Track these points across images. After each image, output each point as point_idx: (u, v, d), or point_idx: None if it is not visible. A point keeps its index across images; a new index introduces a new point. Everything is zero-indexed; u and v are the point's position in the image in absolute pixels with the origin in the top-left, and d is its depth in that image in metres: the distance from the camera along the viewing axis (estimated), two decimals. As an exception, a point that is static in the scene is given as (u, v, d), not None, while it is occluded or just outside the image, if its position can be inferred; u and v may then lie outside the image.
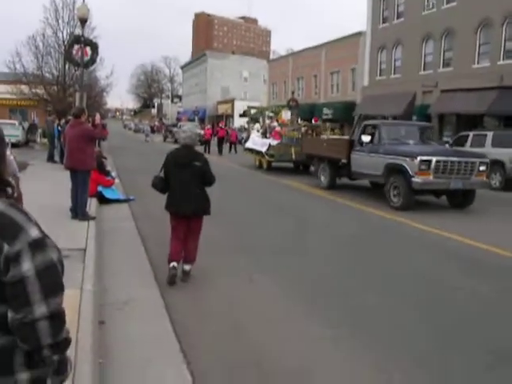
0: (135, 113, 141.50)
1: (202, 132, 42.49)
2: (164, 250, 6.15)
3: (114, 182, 12.31)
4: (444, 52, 27.35)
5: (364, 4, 34.88)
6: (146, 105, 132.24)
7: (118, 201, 11.21)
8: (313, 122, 22.96)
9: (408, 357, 4.06)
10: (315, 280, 6.10)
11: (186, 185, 5.63)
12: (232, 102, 62.52)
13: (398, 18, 31.25)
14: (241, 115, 55.42)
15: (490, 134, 16.72)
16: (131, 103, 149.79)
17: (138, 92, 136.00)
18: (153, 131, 47.24)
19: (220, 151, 30.51)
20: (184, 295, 5.39)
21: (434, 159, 11.04)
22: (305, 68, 44.05)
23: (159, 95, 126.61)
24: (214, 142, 33.22)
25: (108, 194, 11.21)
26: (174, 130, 42.16)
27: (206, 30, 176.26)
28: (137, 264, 6.37)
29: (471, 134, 17.39)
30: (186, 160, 5.63)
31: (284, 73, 48.64)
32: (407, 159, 11.23)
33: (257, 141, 21.43)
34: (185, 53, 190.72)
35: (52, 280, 1.44)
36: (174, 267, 5.74)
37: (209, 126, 35.61)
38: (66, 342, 1.50)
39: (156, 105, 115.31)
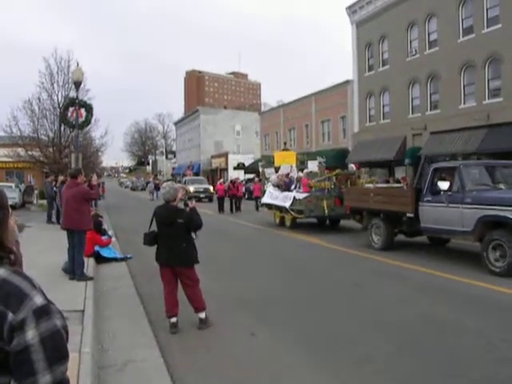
0: (130, 170, 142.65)
1: (211, 188, 39.73)
2: (162, 307, 6.19)
3: (111, 241, 12.26)
4: (430, 95, 28.00)
5: (349, 53, 35.97)
6: (141, 162, 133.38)
7: (115, 259, 11.16)
8: (350, 167, 19.67)
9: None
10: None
11: (172, 239, 5.97)
12: (226, 155, 63.05)
13: (383, 65, 32.14)
14: (235, 168, 55.82)
15: None
16: (126, 161, 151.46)
17: (132, 150, 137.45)
18: (158, 188, 39.06)
19: (231, 209, 26.75)
20: (185, 353, 5.30)
21: None
22: (296, 118, 44.84)
23: (153, 152, 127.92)
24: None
25: (105, 252, 11.18)
26: (177, 185, 41.07)
27: (197, 86, 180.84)
28: (136, 323, 6.27)
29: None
30: (170, 219, 6.00)
31: (276, 124, 49.45)
32: None
33: (276, 194, 18.54)
34: (178, 109, 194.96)
35: (57, 347, 1.40)
36: (173, 324, 5.98)
37: (221, 181, 31.04)
38: None
39: (151, 162, 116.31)
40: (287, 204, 17.12)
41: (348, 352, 5.23)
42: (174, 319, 6.01)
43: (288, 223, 17.77)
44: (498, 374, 4.54)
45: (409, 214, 11.21)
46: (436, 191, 10.38)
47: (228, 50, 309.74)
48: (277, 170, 20.39)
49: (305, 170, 18.80)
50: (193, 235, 6.21)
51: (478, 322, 6.14)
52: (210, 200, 37.38)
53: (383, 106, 32.35)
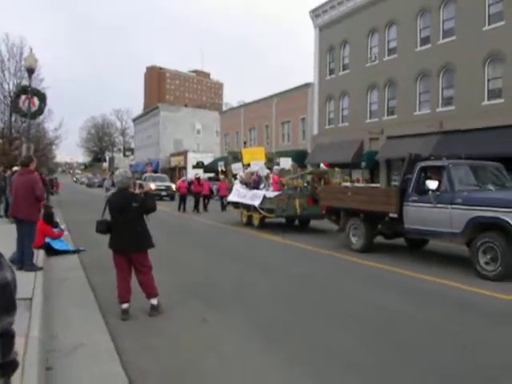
0: (86, 167, 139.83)
1: (173, 186, 37.84)
2: (114, 295, 6.21)
3: (63, 234, 11.99)
4: (388, 101, 28.72)
5: (311, 56, 36.43)
6: (97, 158, 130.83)
7: (67, 252, 10.93)
8: (321, 166, 19.14)
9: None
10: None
11: (126, 225, 6.06)
12: (185, 154, 62.63)
13: (343, 69, 32.72)
14: (194, 167, 55.46)
15: None
16: (81, 157, 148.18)
17: (88, 146, 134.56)
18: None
19: (196, 208, 25.16)
20: (135, 337, 5.33)
21: None
22: (256, 119, 45.07)
23: (110, 148, 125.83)
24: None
25: (56, 245, 10.92)
26: (138, 182, 39.73)
27: (158, 83, 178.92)
28: (86, 311, 6.21)
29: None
30: (124, 204, 6.11)
31: (236, 124, 49.57)
32: (511, 211, 8.23)
33: (243, 193, 17.69)
34: (137, 106, 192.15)
35: (5, 298, 1.43)
36: (125, 311, 6.04)
37: (183, 178, 29.79)
38: (14, 364, 1.47)
39: (107, 158, 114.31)
40: (256, 203, 16.36)
41: (302, 339, 5.32)
42: (125, 305, 6.06)
43: (256, 222, 17.00)
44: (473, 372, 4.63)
45: (392, 215, 10.58)
46: (422, 191, 9.90)
47: (191, 48, 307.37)
48: (246, 166, 19.70)
49: (275, 167, 18.26)
50: (145, 219, 6.33)
51: (460, 326, 5.94)
52: (172, 198, 36.44)
53: (342, 110, 32.93)
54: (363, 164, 28.46)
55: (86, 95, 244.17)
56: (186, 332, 5.54)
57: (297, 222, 17.91)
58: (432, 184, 9.54)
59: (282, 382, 4.23)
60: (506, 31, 21.05)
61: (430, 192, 9.59)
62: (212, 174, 42.87)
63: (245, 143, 43.58)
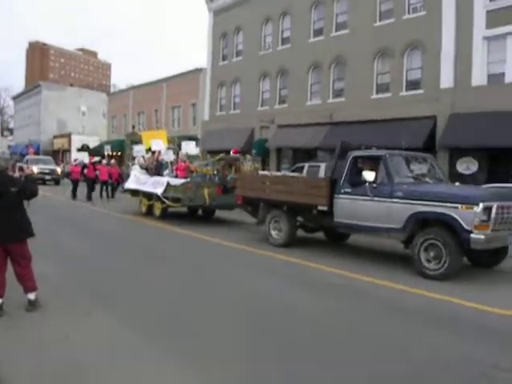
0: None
1: (59, 169, 35.99)
2: None
3: None
4: (280, 90, 28.73)
5: (205, 41, 35.54)
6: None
7: None
8: (231, 153, 18.03)
9: None
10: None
11: (3, 212, 5.47)
12: (69, 136, 59.22)
13: (236, 56, 32.28)
14: (79, 150, 52.35)
15: (322, 166, 17.45)
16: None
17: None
18: None
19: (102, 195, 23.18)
20: (9, 335, 4.88)
21: (495, 205, 7.64)
22: (145, 102, 43.42)
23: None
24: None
25: None
26: (18, 164, 36.07)
27: (41, 59, 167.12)
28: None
29: (306, 165, 18.09)
30: (1, 188, 5.47)
31: (124, 106, 47.49)
32: (458, 206, 7.68)
33: (143, 179, 16.33)
34: (18, 82, 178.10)
35: None
36: None
37: (77, 162, 26.63)
38: None
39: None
40: (159, 190, 14.98)
41: (186, 330, 5.15)
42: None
43: (157, 212, 15.71)
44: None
45: (321, 207, 9.79)
46: (357, 182, 9.15)
47: (77, 25, 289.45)
48: (148, 151, 18.11)
49: (181, 152, 16.88)
50: (25, 204, 5.78)
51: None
52: (57, 182, 34.43)
53: (234, 97, 32.54)
54: (254, 152, 28.27)
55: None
56: (67, 327, 5.09)
57: (200, 212, 16.98)
58: (369, 175, 8.82)
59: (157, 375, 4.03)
60: (394, 28, 21.76)
61: (367, 184, 8.88)
62: (99, 158, 40.62)
63: (133, 127, 41.79)
